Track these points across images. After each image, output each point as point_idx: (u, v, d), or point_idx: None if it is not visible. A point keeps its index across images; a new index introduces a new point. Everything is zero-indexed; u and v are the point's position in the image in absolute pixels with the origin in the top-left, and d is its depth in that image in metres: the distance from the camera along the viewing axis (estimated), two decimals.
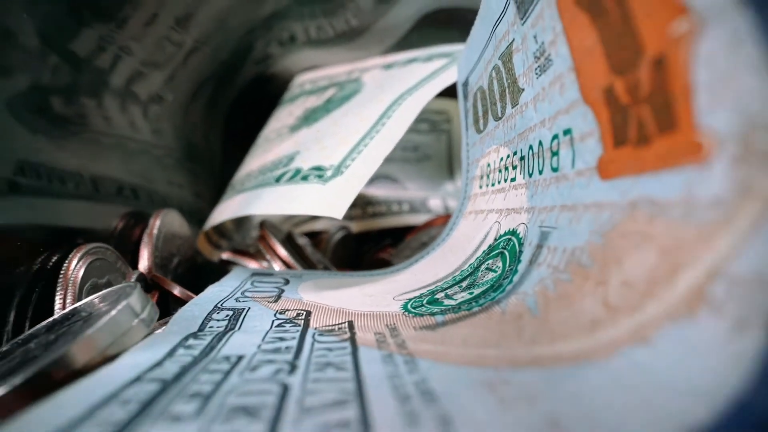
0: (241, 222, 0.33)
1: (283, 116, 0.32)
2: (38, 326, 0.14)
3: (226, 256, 0.25)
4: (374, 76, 0.29)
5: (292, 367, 0.10)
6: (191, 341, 0.12)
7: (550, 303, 0.11)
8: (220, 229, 0.30)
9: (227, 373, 0.09)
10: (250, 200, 0.23)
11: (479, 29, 0.18)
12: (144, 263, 0.22)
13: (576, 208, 0.11)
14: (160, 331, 0.13)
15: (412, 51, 0.31)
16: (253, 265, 0.24)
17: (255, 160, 0.28)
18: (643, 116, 0.09)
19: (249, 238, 0.32)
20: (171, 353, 0.11)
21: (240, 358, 0.10)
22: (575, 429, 0.06)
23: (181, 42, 0.30)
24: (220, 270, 0.27)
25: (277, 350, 0.11)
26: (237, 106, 0.38)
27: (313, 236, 0.32)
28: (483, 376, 0.09)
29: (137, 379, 0.09)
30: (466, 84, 0.21)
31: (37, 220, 0.21)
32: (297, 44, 0.36)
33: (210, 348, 0.11)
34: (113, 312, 0.12)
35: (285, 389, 0.08)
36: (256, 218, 0.33)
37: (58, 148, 0.23)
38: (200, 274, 0.28)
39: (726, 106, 0.07)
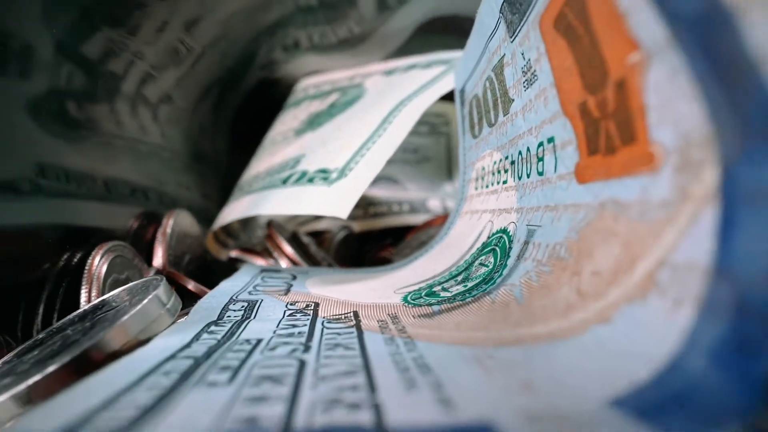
0: (247, 222, 0.34)
1: (288, 120, 0.34)
2: (70, 316, 0.16)
3: (234, 254, 0.27)
4: (376, 81, 0.31)
5: (306, 347, 0.11)
6: (213, 328, 0.13)
7: (533, 292, 0.12)
8: (227, 229, 0.32)
9: (250, 352, 0.11)
10: (258, 201, 0.25)
11: (474, 42, 0.19)
12: (158, 260, 0.23)
13: (557, 209, 0.13)
14: (182, 320, 0.14)
15: (412, 57, 0.33)
16: (260, 262, 0.26)
17: (262, 163, 0.30)
18: (610, 129, 0.10)
19: (255, 237, 0.34)
20: (197, 337, 0.12)
21: (259, 340, 0.12)
22: (544, 389, 0.08)
23: (190, 47, 0.32)
24: (229, 268, 0.29)
25: (291, 335, 0.12)
26: (242, 109, 0.40)
27: (317, 236, 0.33)
28: (472, 353, 0.10)
29: (172, 357, 0.11)
30: (462, 91, 0.23)
31: (58, 220, 0.22)
32: (300, 50, 0.37)
33: (231, 333, 0.13)
34: (144, 302, 0.13)
35: (302, 363, 0.10)
36: (261, 218, 0.34)
37: (75, 151, 0.25)
38: (209, 271, 0.30)
39: (669, 125, 0.08)
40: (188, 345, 0.12)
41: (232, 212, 0.27)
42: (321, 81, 0.36)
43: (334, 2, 0.33)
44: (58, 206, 0.23)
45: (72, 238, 0.22)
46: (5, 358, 0.14)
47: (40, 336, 0.15)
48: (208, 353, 0.11)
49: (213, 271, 0.30)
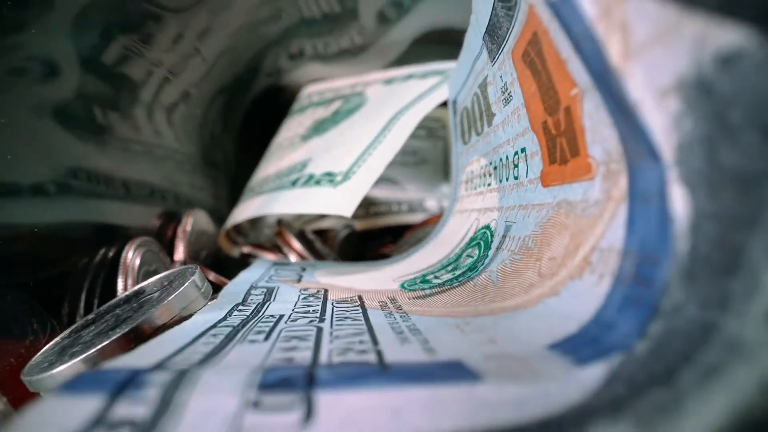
0: (255, 221, 0.37)
1: (293, 126, 0.36)
2: (114, 300, 0.19)
3: (247, 249, 0.30)
4: (376, 90, 0.34)
5: (321, 319, 0.14)
6: (240, 308, 0.16)
7: (506, 276, 0.15)
8: (238, 228, 0.35)
9: (276, 323, 0.14)
10: (269, 201, 0.28)
11: (463, 61, 0.22)
12: (179, 255, 0.26)
13: (527, 207, 0.16)
14: (212, 302, 0.17)
15: (410, 67, 0.36)
16: (271, 257, 0.29)
17: (270, 166, 0.33)
18: (563, 144, 0.13)
19: (262, 236, 0.37)
20: (229, 313, 0.15)
21: (281, 315, 0.15)
22: (504, 342, 0.11)
23: (204, 57, 0.35)
24: (240, 263, 0.32)
25: (307, 312, 0.15)
26: (250, 114, 0.43)
27: (321, 234, 0.36)
28: (454, 322, 0.13)
29: (213, 326, 0.13)
30: (455, 102, 0.26)
31: (88, 218, 0.25)
32: (305, 58, 0.40)
33: (256, 311, 0.16)
34: (184, 285, 0.16)
35: (319, 329, 0.13)
36: (269, 218, 0.37)
37: (102, 154, 0.28)
38: (222, 266, 0.33)
39: (598, 144, 0.11)
40: (224, 318, 0.14)
41: (244, 211, 0.30)
42: (324, 88, 0.39)
43: (337, 15, 0.36)
44: (87, 205, 0.26)
45: (104, 235, 0.25)
46: (63, 334, 0.17)
47: (90, 317, 0.18)
48: (242, 324, 0.14)
49: (226, 266, 0.33)
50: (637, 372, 0.08)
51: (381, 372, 0.09)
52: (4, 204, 0.20)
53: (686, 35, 0.07)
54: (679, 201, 0.08)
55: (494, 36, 0.16)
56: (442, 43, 0.37)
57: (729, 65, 0.07)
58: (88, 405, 0.07)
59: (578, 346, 0.09)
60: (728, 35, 0.06)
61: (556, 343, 0.10)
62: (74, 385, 0.08)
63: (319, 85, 0.40)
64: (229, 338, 0.12)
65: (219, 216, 0.35)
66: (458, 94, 0.25)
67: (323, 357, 0.10)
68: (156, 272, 0.23)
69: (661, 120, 0.08)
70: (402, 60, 0.38)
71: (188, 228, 0.27)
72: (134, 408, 0.07)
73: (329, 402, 0.08)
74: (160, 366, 0.09)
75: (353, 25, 0.36)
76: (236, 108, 0.42)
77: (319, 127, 0.33)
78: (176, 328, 0.13)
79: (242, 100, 0.42)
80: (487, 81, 0.19)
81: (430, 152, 0.43)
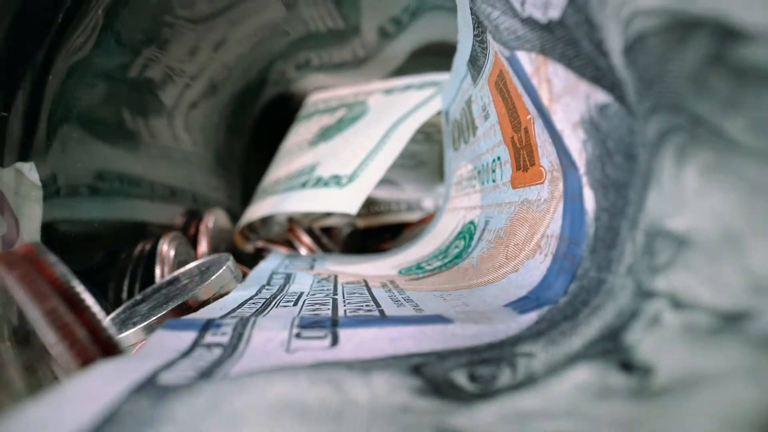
0: (266, 219, 0.41)
1: (301, 131, 0.40)
2: (158, 284, 0.22)
3: (261, 244, 0.34)
4: (377, 100, 0.37)
5: (335, 294, 0.18)
6: (266, 287, 0.20)
7: (483, 260, 0.19)
8: (250, 225, 0.38)
9: (299, 297, 0.18)
10: (282, 201, 0.32)
11: (453, 80, 0.26)
12: (203, 248, 0.30)
13: (501, 205, 0.20)
14: (241, 284, 0.21)
15: (408, 77, 0.40)
16: (283, 250, 0.33)
17: (281, 168, 0.37)
18: (524, 156, 0.17)
19: (272, 232, 0.41)
20: (259, 291, 0.19)
21: (302, 293, 0.19)
22: (474, 304, 0.15)
23: (218, 66, 0.39)
24: (254, 256, 0.36)
25: (322, 290, 0.19)
26: (259, 120, 0.47)
27: (327, 231, 0.40)
28: (438, 294, 0.17)
29: (250, 299, 0.17)
30: (447, 113, 0.30)
31: (121, 216, 0.29)
32: (311, 68, 0.44)
33: (280, 290, 0.20)
34: (221, 270, 0.20)
35: (334, 299, 0.17)
36: (278, 216, 0.41)
37: (131, 158, 0.32)
38: (238, 260, 0.37)
39: (545, 157, 0.15)
40: (256, 294, 0.18)
41: (258, 210, 0.34)
42: (329, 96, 0.43)
43: (341, 30, 0.40)
44: (119, 204, 0.30)
45: (136, 231, 0.29)
46: (118, 310, 0.21)
47: (139, 297, 0.22)
48: (272, 297, 0.18)
49: (241, 261, 0.37)
50: (556, 315, 0.12)
51: (382, 318, 0.13)
52: (63, 202, 0.24)
53: (581, 91, 0.11)
54: (589, 199, 0.12)
55: (475, 65, 0.20)
56: (437, 54, 0.41)
57: (603, 111, 0.10)
58: (187, 335, 0.11)
59: (524, 303, 0.13)
60: (600, 94, 0.10)
61: (509, 303, 0.14)
62: (172, 325, 0.12)
63: (324, 94, 0.44)
64: (266, 305, 0.16)
65: (233, 214, 0.39)
66: (450, 107, 0.29)
67: (339, 313, 0.14)
68: (186, 262, 0.27)
69: (575, 144, 0.12)
70: (401, 70, 0.42)
71: (210, 224, 0.31)
72: (218, 337, 0.11)
73: (347, 334, 0.12)
74: (225, 317, 0.13)
75: (356, 39, 0.40)
76: (247, 114, 0.46)
77: (325, 134, 0.36)
78: (221, 299, 0.17)
79: (253, 106, 0.46)
80: (471, 99, 0.23)
81: (427, 155, 0.47)
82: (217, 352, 0.11)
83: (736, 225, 0.07)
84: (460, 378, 0.10)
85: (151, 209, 0.32)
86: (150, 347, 0.11)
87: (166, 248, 0.26)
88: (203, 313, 0.14)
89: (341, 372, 0.09)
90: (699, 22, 0.07)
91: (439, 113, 0.32)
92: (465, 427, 0.08)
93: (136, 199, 0.31)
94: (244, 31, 0.39)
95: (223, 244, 0.33)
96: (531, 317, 0.12)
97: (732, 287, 0.07)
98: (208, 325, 0.12)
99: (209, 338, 0.11)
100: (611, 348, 0.09)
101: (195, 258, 0.29)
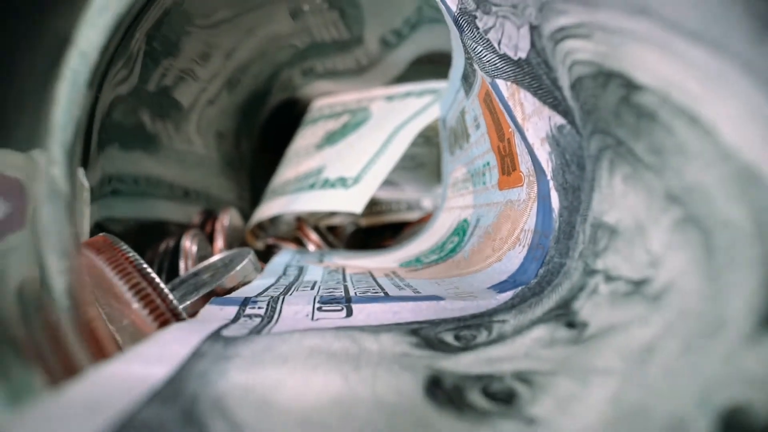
0: (274, 219, 0.44)
1: (307, 136, 0.44)
2: (185, 275, 0.26)
3: (271, 241, 0.37)
4: (380, 106, 0.41)
5: (344, 281, 0.21)
6: (283, 277, 0.23)
7: (474, 252, 0.22)
8: (260, 224, 0.42)
9: (314, 284, 0.21)
10: (291, 201, 0.35)
11: (449, 91, 0.29)
12: (219, 245, 0.33)
13: (490, 205, 0.23)
14: (260, 275, 0.24)
15: (408, 84, 0.43)
16: (292, 247, 0.36)
17: (290, 171, 0.40)
18: (507, 162, 0.20)
19: (280, 231, 0.44)
20: (277, 280, 0.22)
21: (315, 281, 0.22)
22: (462, 286, 0.18)
23: (230, 74, 0.42)
24: (264, 254, 0.39)
25: (332, 279, 0.22)
26: (267, 124, 0.50)
27: (332, 229, 0.43)
28: (434, 281, 0.20)
29: (271, 285, 0.20)
30: (444, 120, 0.33)
31: (145, 215, 0.32)
32: (316, 75, 0.47)
33: (296, 279, 0.23)
34: (245, 261, 0.23)
35: (345, 285, 0.20)
36: (285, 216, 0.44)
37: (152, 161, 0.35)
38: None
39: (524, 164, 0.18)
40: (275, 282, 0.21)
41: (269, 209, 0.37)
42: (333, 102, 0.46)
43: (345, 41, 0.43)
44: (149, 205, 0.33)
45: (159, 229, 0.32)
46: None
47: (169, 287, 0.25)
48: (290, 284, 0.21)
49: None
50: (527, 293, 0.15)
51: (387, 297, 0.16)
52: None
53: (545, 113, 0.14)
54: (555, 200, 0.15)
55: (467, 81, 0.23)
56: (435, 63, 0.44)
57: (561, 130, 0.14)
58: (231, 309, 0.15)
59: (503, 285, 0.16)
60: (558, 117, 0.13)
61: (492, 285, 0.17)
62: (218, 301, 0.15)
63: (329, 99, 0.47)
64: (287, 289, 0.19)
65: (243, 214, 0.43)
66: (447, 114, 0.32)
67: (351, 294, 0.17)
68: (206, 257, 0.30)
69: (543, 155, 0.15)
70: (401, 78, 0.45)
71: (225, 223, 0.34)
72: (255, 310, 0.15)
73: (359, 308, 0.15)
74: (257, 296, 0.16)
75: (359, 49, 0.43)
76: (256, 119, 0.49)
77: (331, 138, 0.40)
78: (247, 285, 0.20)
79: (261, 111, 0.49)
80: (465, 110, 0.26)
81: (426, 157, 0.50)
82: (256, 320, 0.14)
83: (643, 218, 0.10)
84: (448, 337, 0.13)
85: (171, 209, 0.35)
86: (204, 316, 0.14)
87: (189, 244, 0.29)
88: (238, 294, 0.17)
89: (356, 332, 0.12)
90: (614, 74, 0.10)
91: (436, 120, 0.35)
92: (449, 367, 0.11)
93: (158, 199, 0.34)
94: (254, 40, 0.42)
95: (236, 241, 0.36)
96: (507, 295, 0.15)
97: (640, 263, 0.10)
98: (246, 301, 0.15)
99: (249, 311, 0.15)
100: (562, 313, 0.12)
101: (212, 254, 0.32)
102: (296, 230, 0.36)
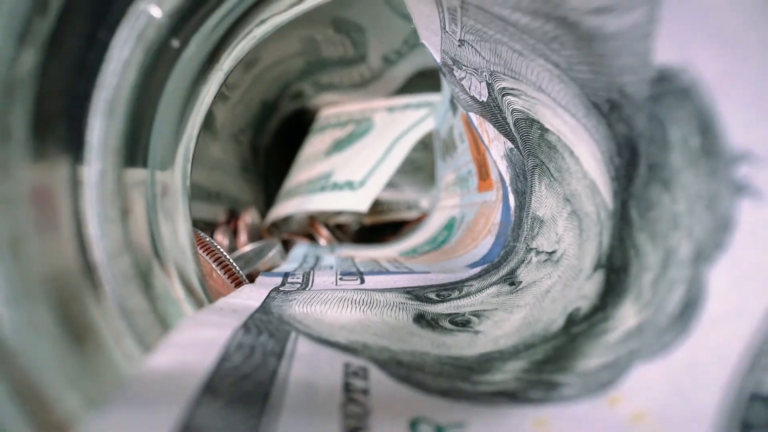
0: (286, 218, 0.50)
1: (316, 143, 0.50)
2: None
3: (286, 236, 0.43)
4: (382, 117, 0.47)
5: (355, 265, 0.27)
6: (304, 263, 0.30)
7: (458, 242, 0.28)
8: (274, 222, 0.48)
9: (332, 266, 0.27)
10: (304, 201, 0.41)
11: (441, 108, 0.35)
12: (243, 239, 0.40)
13: (472, 204, 0.29)
14: (285, 262, 0.31)
15: (407, 97, 0.49)
16: (305, 241, 0.42)
17: (301, 174, 0.46)
18: (482, 170, 0.26)
19: (291, 228, 0.50)
20: (300, 265, 0.29)
21: (332, 265, 0.28)
22: (446, 267, 0.24)
23: (246, 83, 0.48)
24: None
25: (344, 263, 0.29)
26: (278, 131, 0.56)
27: (338, 227, 0.50)
28: (425, 264, 0.26)
29: (298, 267, 0.27)
30: (438, 132, 0.39)
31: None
32: (323, 87, 0.54)
33: (315, 264, 0.29)
34: (273, 251, 0.29)
35: (357, 267, 0.26)
36: (297, 215, 0.50)
37: None
38: None
39: (493, 173, 0.24)
40: (299, 266, 0.28)
41: (285, 209, 0.43)
42: (340, 112, 0.53)
43: (350, 58, 0.49)
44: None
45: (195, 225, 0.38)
46: None
47: None
48: (312, 268, 0.27)
49: None
50: (490, 267, 0.21)
51: (388, 272, 0.22)
52: None
53: (501, 139, 0.20)
54: (511, 200, 0.22)
55: (453, 104, 0.30)
56: (431, 77, 0.51)
57: (512, 152, 0.20)
58: (277, 278, 0.21)
59: (475, 264, 0.23)
60: (509, 143, 0.20)
61: (468, 264, 0.23)
62: (266, 274, 0.21)
63: (335, 109, 0.53)
64: (312, 268, 0.25)
65: (258, 213, 0.49)
66: (440, 127, 0.38)
67: (362, 271, 0.23)
68: (234, 249, 0.36)
69: (503, 168, 0.22)
70: (402, 90, 0.52)
71: (248, 220, 0.40)
72: (294, 280, 0.21)
73: (368, 278, 0.21)
74: (293, 272, 0.23)
75: (363, 65, 0.50)
76: (268, 126, 0.55)
77: (338, 146, 0.46)
78: (277, 268, 0.27)
79: (272, 119, 0.55)
80: (453, 126, 0.32)
81: (424, 161, 0.56)
82: (297, 285, 0.20)
83: (554, 212, 0.17)
84: (431, 295, 0.19)
85: (196, 208, 0.42)
86: (260, 282, 0.20)
87: (221, 238, 0.35)
88: (278, 270, 0.24)
89: (369, 291, 0.19)
90: (534, 120, 0.17)
91: (431, 131, 0.42)
92: (430, 310, 0.17)
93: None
94: (270, 55, 0.48)
95: (254, 237, 0.43)
96: (477, 270, 0.22)
97: (552, 241, 0.17)
98: (287, 275, 0.22)
99: (290, 280, 0.21)
100: (509, 277, 0.19)
101: (237, 247, 0.38)
102: (309, 227, 0.42)
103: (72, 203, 0.10)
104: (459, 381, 0.12)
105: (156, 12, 0.11)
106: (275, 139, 0.56)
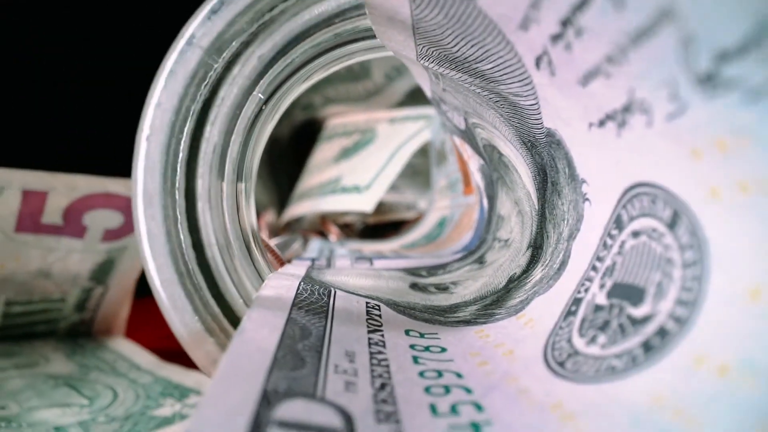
0: (299, 218, 0.58)
1: (325, 150, 0.58)
2: None
3: (301, 233, 0.51)
4: (384, 128, 0.55)
5: (363, 253, 0.35)
6: (322, 254, 0.37)
7: (448, 236, 0.36)
8: (288, 222, 0.56)
9: (345, 256, 0.35)
10: (316, 203, 0.49)
11: (435, 123, 0.43)
12: (264, 236, 0.47)
13: (460, 206, 0.37)
14: (305, 252, 0.38)
15: (407, 109, 0.57)
16: (318, 238, 0.50)
17: (312, 179, 0.54)
18: (466, 178, 0.34)
19: (302, 226, 0.58)
20: (318, 256, 0.36)
21: (345, 254, 0.36)
22: (436, 255, 0.32)
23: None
24: None
25: (355, 253, 0.36)
26: (289, 139, 0.64)
27: (345, 226, 0.57)
28: (422, 243, 0.34)
29: (319, 255, 0.35)
30: (433, 143, 0.47)
31: None
32: (330, 99, 0.62)
33: (331, 254, 0.37)
34: (296, 243, 0.37)
35: (367, 256, 0.34)
36: (307, 215, 0.58)
37: None
38: None
39: (474, 180, 0.32)
40: (317, 258, 0.36)
41: (298, 209, 0.51)
42: (345, 122, 0.60)
43: (356, 73, 0.57)
44: None
45: None
46: None
47: None
48: (329, 259, 0.35)
49: None
50: (468, 254, 0.29)
51: (391, 257, 0.30)
52: None
53: (476, 157, 0.28)
54: (485, 203, 0.30)
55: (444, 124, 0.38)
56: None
57: (483, 167, 0.28)
58: (307, 262, 0.29)
59: (458, 251, 0.31)
60: (481, 160, 0.28)
61: (452, 251, 0.31)
62: (298, 259, 0.29)
63: (341, 119, 0.61)
64: (330, 257, 0.33)
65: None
66: (435, 139, 0.46)
67: (370, 255, 0.31)
68: None
69: (478, 179, 0.29)
70: (402, 102, 0.60)
71: (269, 219, 0.48)
72: (321, 262, 0.29)
73: (376, 262, 0.29)
74: (316, 257, 0.31)
75: (367, 80, 0.58)
76: (281, 135, 0.63)
77: (345, 154, 0.54)
78: (300, 256, 0.35)
79: (285, 128, 0.63)
80: (444, 140, 0.40)
81: (422, 166, 0.64)
82: (323, 266, 0.28)
83: (509, 212, 0.25)
84: (423, 273, 0.27)
85: None
86: (295, 263, 0.28)
87: None
88: (305, 256, 0.32)
89: (377, 270, 0.27)
90: (494, 147, 0.24)
91: (428, 142, 0.50)
92: (421, 281, 0.25)
93: None
94: None
95: (272, 234, 0.50)
96: (458, 255, 0.29)
97: (507, 232, 0.25)
98: (313, 260, 0.29)
99: (317, 263, 0.29)
100: (479, 259, 0.27)
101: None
102: (320, 225, 0.50)
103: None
104: (436, 316, 0.19)
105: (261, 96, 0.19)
106: (287, 145, 0.64)
